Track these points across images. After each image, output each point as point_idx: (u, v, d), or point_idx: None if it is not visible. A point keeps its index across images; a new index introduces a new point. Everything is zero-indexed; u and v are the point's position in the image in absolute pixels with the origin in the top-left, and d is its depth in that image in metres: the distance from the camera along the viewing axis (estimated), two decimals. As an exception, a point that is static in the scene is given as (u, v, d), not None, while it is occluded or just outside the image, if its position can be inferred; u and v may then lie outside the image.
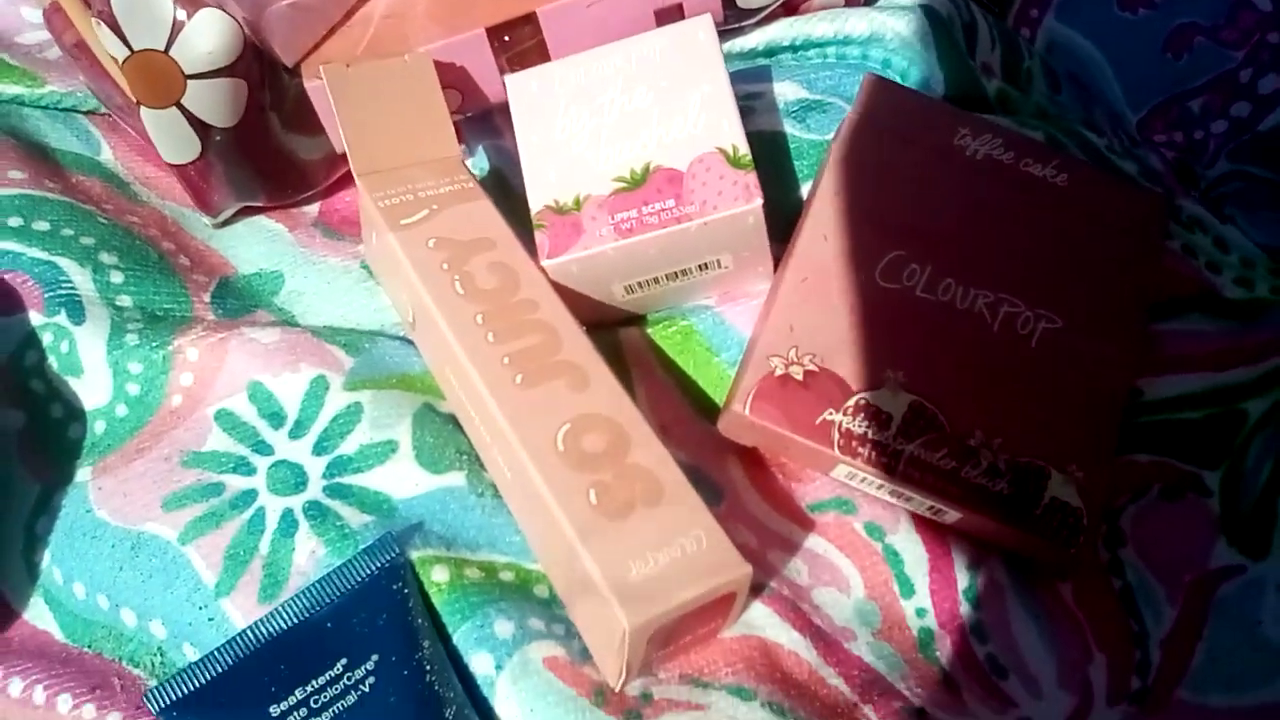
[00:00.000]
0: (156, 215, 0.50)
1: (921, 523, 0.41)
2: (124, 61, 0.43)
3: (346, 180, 0.51)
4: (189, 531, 0.40)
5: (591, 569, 0.34)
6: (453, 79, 0.47)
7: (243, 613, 0.39)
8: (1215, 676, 0.40)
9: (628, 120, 0.43)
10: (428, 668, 0.36)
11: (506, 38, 0.47)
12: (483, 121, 0.52)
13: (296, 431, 0.42)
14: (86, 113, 0.52)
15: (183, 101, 0.44)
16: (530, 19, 0.46)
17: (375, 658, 0.36)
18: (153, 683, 0.39)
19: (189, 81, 0.44)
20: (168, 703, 0.35)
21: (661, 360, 0.45)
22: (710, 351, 0.45)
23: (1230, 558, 0.42)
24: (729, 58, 0.51)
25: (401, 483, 0.41)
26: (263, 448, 0.42)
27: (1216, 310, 0.46)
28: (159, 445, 0.42)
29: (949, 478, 0.39)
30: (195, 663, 0.36)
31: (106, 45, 0.43)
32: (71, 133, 0.51)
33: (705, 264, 0.43)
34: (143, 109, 0.44)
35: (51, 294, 0.44)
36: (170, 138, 0.45)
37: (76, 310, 0.44)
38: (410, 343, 0.45)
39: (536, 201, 0.43)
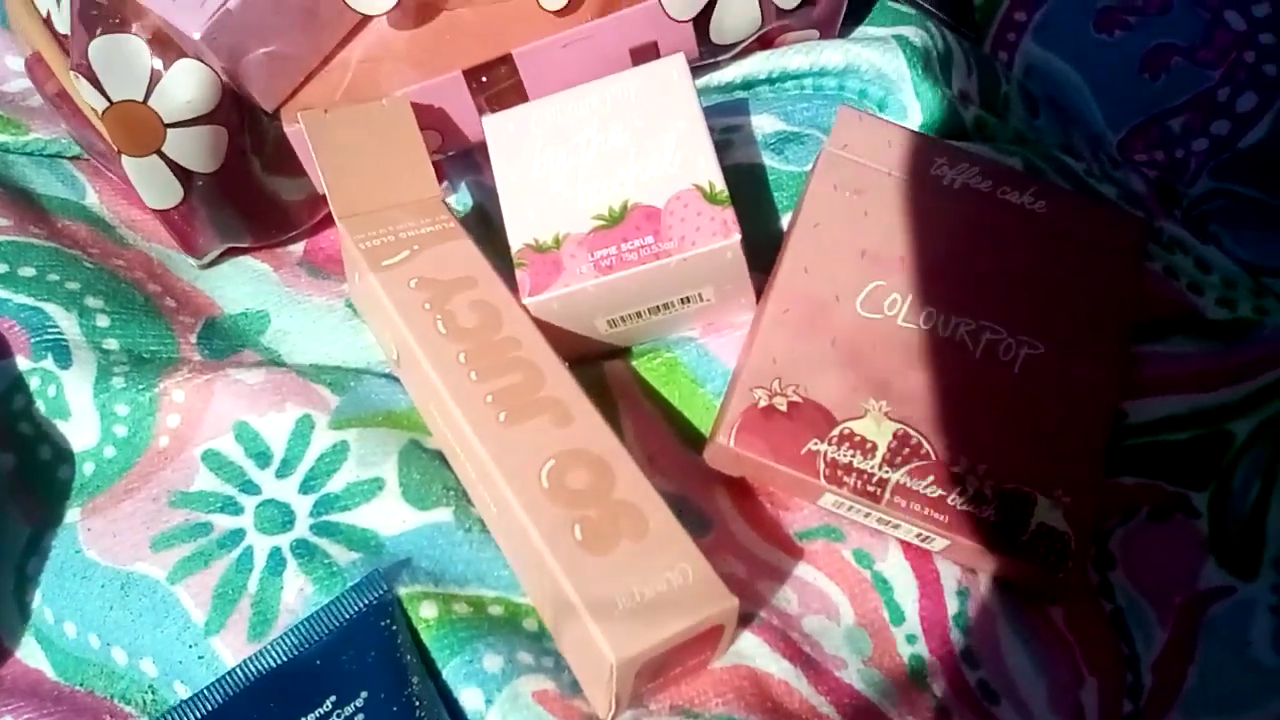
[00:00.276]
0: (142, 258, 0.50)
1: (910, 549, 0.41)
2: (103, 112, 0.43)
3: (330, 219, 0.51)
4: (178, 571, 0.40)
5: (578, 604, 0.35)
6: (432, 120, 0.47)
7: (232, 651, 0.39)
8: (1206, 699, 0.40)
9: (605, 159, 0.43)
10: (417, 704, 0.36)
11: (484, 78, 0.47)
12: (465, 158, 0.52)
13: (283, 470, 0.42)
14: (71, 158, 0.52)
15: (163, 149, 0.44)
16: (506, 60, 0.46)
17: (364, 694, 0.36)
18: (145, 720, 0.39)
19: (169, 130, 0.44)
20: (158, 742, 0.35)
21: (647, 392, 0.45)
22: (695, 383, 0.45)
23: (1220, 579, 0.42)
24: (707, 91, 0.52)
25: (389, 519, 0.41)
26: (250, 487, 0.42)
27: (1200, 331, 0.46)
28: (147, 486, 0.42)
29: (936, 505, 0.40)
30: (186, 700, 0.36)
31: (86, 97, 0.43)
32: (56, 178, 0.52)
33: (687, 297, 0.43)
34: (124, 157, 0.45)
35: (38, 339, 0.44)
36: (152, 185, 0.46)
37: (63, 354, 0.44)
38: (396, 379, 0.45)
39: (516, 240, 0.43)
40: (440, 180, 0.48)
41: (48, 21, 0.48)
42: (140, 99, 0.43)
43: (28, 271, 0.46)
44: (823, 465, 0.40)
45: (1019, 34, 0.57)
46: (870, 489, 0.40)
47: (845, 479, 0.40)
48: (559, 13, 0.46)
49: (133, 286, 0.48)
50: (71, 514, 0.42)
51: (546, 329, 0.42)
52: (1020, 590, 0.41)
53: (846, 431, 0.40)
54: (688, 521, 0.40)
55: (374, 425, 0.43)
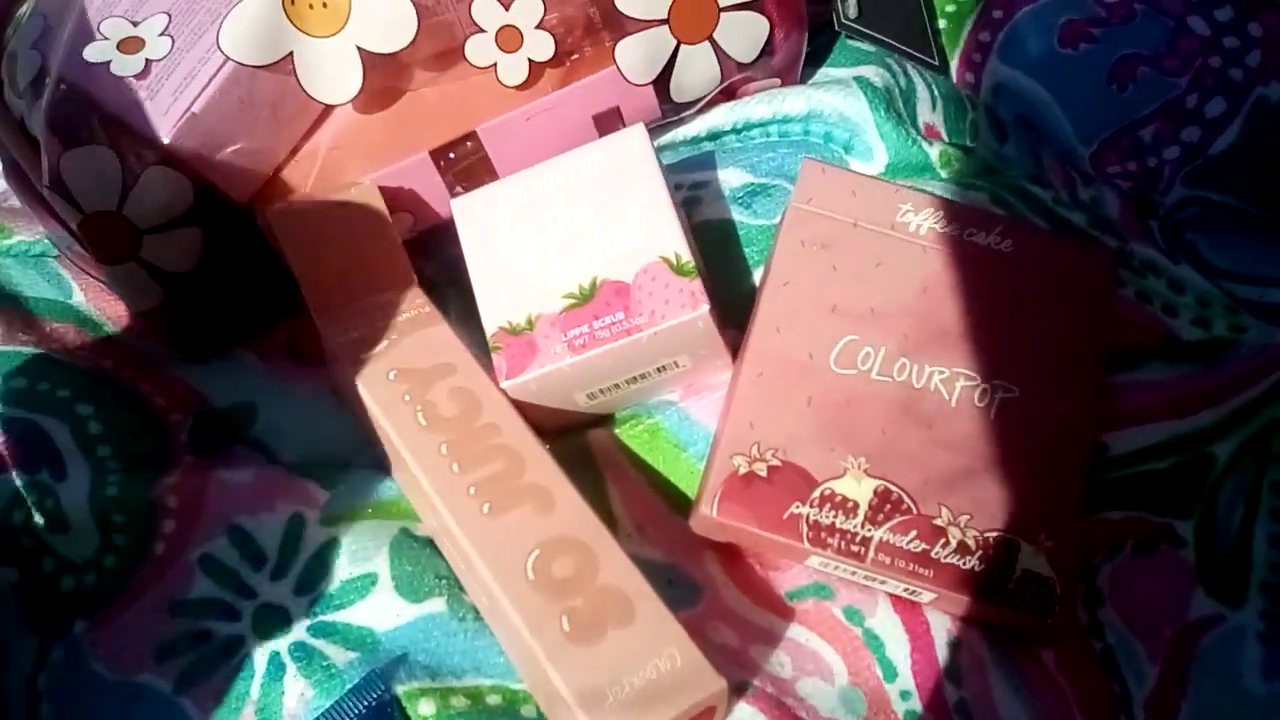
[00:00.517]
0: (130, 355, 0.50)
1: (900, 603, 0.42)
2: (79, 225, 0.44)
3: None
4: (182, 681, 0.41)
5: (568, 697, 0.35)
6: (403, 201, 0.48)
7: (240, 760, 0.40)
8: (1200, 734, 0.40)
9: (572, 236, 0.43)
10: (421, 802, 0.37)
11: (451, 155, 0.47)
12: (443, 230, 0.52)
13: (278, 573, 0.43)
14: (55, 256, 0.53)
15: (141, 255, 0.45)
16: (472, 136, 0.47)
17: (368, 796, 0.37)
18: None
19: (144, 236, 0.45)
20: None
21: (631, 459, 0.46)
22: (678, 447, 0.45)
23: (1209, 607, 0.42)
24: (673, 146, 0.52)
25: (383, 615, 0.41)
26: (246, 591, 0.42)
27: (1176, 354, 0.46)
28: (147, 595, 0.43)
29: (920, 560, 0.40)
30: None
31: (60, 211, 0.44)
32: (43, 277, 0.52)
33: (663, 366, 0.44)
34: (102, 264, 0.45)
35: (32, 452, 0.45)
36: (132, 289, 0.46)
37: (58, 466, 0.45)
38: (383, 468, 0.46)
39: (490, 324, 0.43)
40: (418, 255, 0.48)
41: (22, 126, 0.48)
42: (114, 209, 0.44)
43: (19, 383, 0.46)
44: (805, 528, 0.40)
45: (985, 54, 0.57)
46: (854, 549, 0.40)
47: (829, 540, 0.40)
48: (520, 87, 0.47)
49: (122, 389, 0.48)
50: (77, 626, 0.43)
51: (527, 407, 0.43)
52: (1011, 635, 0.41)
53: (827, 492, 0.41)
54: (678, 590, 0.41)
55: (364, 518, 0.44)
